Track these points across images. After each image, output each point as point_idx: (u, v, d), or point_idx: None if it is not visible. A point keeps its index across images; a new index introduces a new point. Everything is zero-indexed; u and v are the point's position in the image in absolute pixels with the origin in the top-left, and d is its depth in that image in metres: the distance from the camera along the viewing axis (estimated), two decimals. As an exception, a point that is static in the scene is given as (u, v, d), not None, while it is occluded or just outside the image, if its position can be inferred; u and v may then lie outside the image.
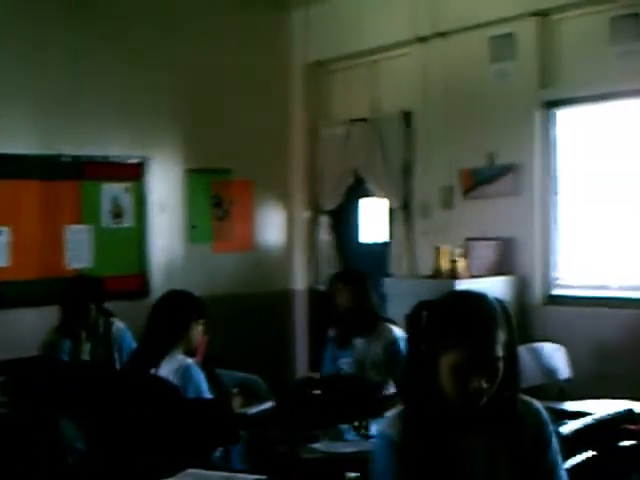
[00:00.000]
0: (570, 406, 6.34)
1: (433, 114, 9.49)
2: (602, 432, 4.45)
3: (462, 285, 8.05)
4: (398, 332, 6.32)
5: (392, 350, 6.30)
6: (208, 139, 10.29)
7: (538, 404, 3.20)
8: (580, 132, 8.58)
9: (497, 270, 8.71)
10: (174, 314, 5.49)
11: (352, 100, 10.51)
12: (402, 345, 6.16)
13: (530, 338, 7.77)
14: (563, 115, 8.67)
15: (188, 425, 4.93)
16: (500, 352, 3.02)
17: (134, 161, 9.76)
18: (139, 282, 9.73)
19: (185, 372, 5.23)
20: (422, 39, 9.51)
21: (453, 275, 8.45)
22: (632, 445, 4.39)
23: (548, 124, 8.70)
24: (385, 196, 10.07)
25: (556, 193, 8.68)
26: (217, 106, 10.27)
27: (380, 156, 9.93)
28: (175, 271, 9.92)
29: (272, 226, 10.95)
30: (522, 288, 8.61)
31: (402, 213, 9.82)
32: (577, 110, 8.61)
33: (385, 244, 10.21)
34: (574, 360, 7.45)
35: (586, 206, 8.51)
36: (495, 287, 8.09)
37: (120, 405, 5.21)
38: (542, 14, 8.57)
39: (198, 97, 10.22)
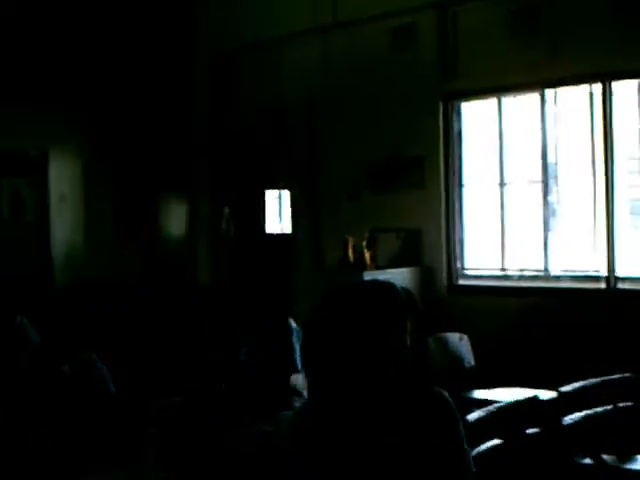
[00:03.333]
0: (476, 394, 6.40)
1: (337, 105, 9.47)
2: (508, 420, 4.48)
3: (369, 276, 8.05)
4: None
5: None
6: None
7: (445, 394, 3.18)
8: (483, 125, 8.67)
9: (403, 261, 8.75)
10: None
11: (257, 90, 10.39)
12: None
13: (436, 328, 7.82)
14: (467, 108, 8.76)
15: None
16: (407, 341, 2.99)
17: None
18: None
19: None
20: (324, 29, 9.48)
21: (359, 266, 8.46)
22: (537, 432, 4.43)
23: (451, 116, 8.77)
24: (290, 187, 10.01)
25: (461, 185, 8.77)
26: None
27: (285, 147, 9.86)
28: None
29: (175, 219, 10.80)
30: (428, 278, 8.67)
31: (307, 204, 9.78)
32: (480, 103, 8.69)
33: (290, 236, 10.14)
34: (479, 348, 7.54)
35: (489, 198, 8.62)
36: (401, 277, 8.14)
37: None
38: (442, 6, 8.64)
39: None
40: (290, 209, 10.22)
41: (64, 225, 9.90)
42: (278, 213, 10.54)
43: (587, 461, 4.67)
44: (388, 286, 3.12)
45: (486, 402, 5.28)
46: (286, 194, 10.27)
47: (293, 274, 8.95)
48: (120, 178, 10.33)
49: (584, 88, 8.03)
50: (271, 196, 10.63)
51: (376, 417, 3.02)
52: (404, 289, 3.13)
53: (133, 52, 10.23)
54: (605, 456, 4.74)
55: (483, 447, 4.10)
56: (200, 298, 9.62)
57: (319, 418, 3.00)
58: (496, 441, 4.18)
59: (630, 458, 4.76)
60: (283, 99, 10.04)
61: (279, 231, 10.53)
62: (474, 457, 3.70)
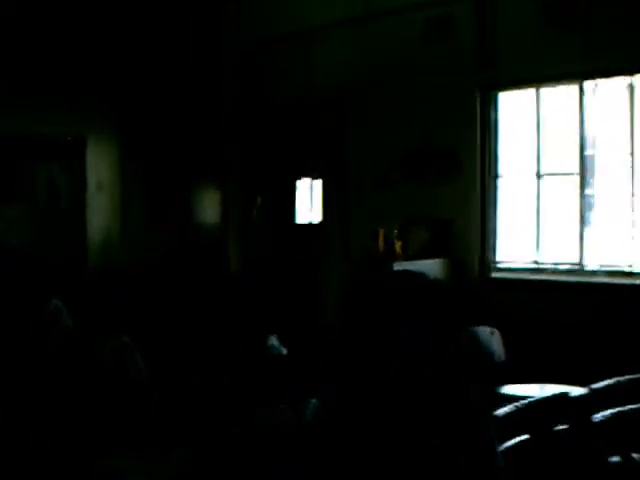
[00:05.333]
0: (506, 389, 6.35)
1: (370, 95, 9.42)
2: (537, 416, 4.44)
3: (398, 266, 8.01)
4: None
5: None
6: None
7: (473, 389, 3.15)
8: (520, 115, 8.58)
9: (434, 252, 8.69)
10: None
11: (289, 80, 10.37)
12: None
13: (467, 321, 7.77)
14: (504, 98, 8.67)
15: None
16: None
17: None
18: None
19: None
20: (357, 19, 9.42)
21: (390, 256, 8.41)
22: (566, 429, 4.39)
23: (487, 106, 8.68)
24: (320, 177, 10.00)
25: (496, 176, 8.68)
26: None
27: (316, 137, 9.84)
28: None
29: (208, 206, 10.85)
30: (459, 270, 8.60)
31: (339, 194, 9.75)
32: (517, 93, 8.60)
33: (320, 225, 10.13)
34: (510, 343, 7.47)
35: (525, 189, 8.53)
36: (431, 269, 8.09)
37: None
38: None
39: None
40: (321, 199, 10.19)
41: (99, 212, 9.99)
42: (309, 203, 10.51)
43: (616, 459, 4.61)
44: (417, 276, 3.09)
45: (516, 397, 5.24)
46: (318, 184, 10.24)
47: (323, 263, 8.93)
48: (154, 165, 10.39)
49: (623, 80, 7.91)
50: (303, 185, 10.61)
51: (402, 416, 3.00)
52: (435, 280, 3.10)
53: (168, 40, 10.28)
54: (635, 455, 4.67)
55: (511, 442, 4.06)
56: (229, 285, 9.67)
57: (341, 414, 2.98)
58: (524, 436, 4.14)
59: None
60: (315, 89, 10.00)
61: (310, 221, 10.51)
62: (502, 452, 3.68)
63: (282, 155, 10.35)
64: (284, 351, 6.12)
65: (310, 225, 10.42)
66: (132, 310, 8.40)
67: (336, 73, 9.77)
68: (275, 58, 10.60)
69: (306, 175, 10.32)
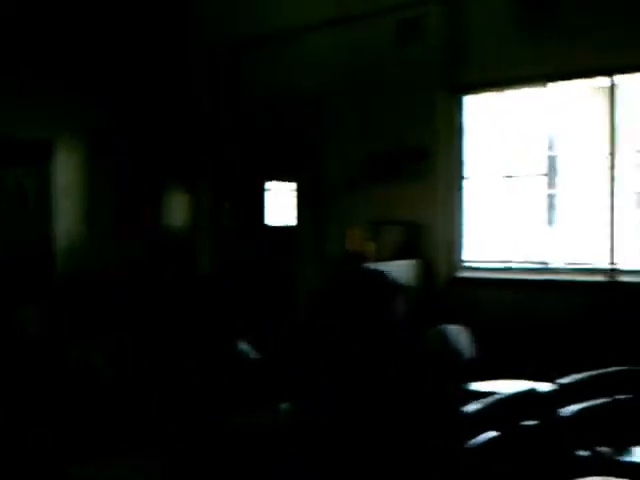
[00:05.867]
0: (475, 386, 6.40)
1: (341, 97, 9.45)
2: (505, 412, 4.49)
3: (371, 268, 8.05)
4: None
5: None
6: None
7: (444, 389, 3.19)
8: (488, 117, 8.67)
9: (404, 253, 8.74)
10: None
11: (261, 83, 10.37)
12: None
13: (436, 320, 7.83)
14: (470, 101, 8.75)
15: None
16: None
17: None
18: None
19: None
20: (330, 21, 9.46)
21: (361, 258, 8.45)
22: (534, 424, 4.44)
23: (454, 109, 8.76)
24: (293, 179, 10.00)
25: (462, 177, 8.76)
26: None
27: (289, 138, 9.85)
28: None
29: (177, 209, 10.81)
30: (429, 271, 8.66)
31: (311, 196, 9.78)
32: (485, 95, 8.68)
33: (293, 227, 10.14)
34: (478, 341, 7.53)
35: (493, 190, 8.62)
36: (402, 270, 8.14)
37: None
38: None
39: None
40: (293, 201, 10.21)
41: (67, 215, 9.90)
42: (282, 205, 10.53)
43: (583, 453, 4.68)
44: (385, 276, 3.13)
45: (484, 394, 5.28)
46: (289, 186, 10.25)
47: (295, 265, 8.95)
48: (123, 168, 10.33)
49: (590, 82, 8.02)
50: (274, 187, 10.62)
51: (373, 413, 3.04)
52: (395, 280, 3.14)
53: (138, 40, 10.22)
54: (601, 448, 4.75)
55: (480, 438, 4.11)
56: (199, 289, 9.65)
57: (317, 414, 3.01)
58: (493, 433, 4.19)
59: (626, 450, 4.76)
60: (288, 91, 10.01)
61: (282, 222, 10.52)
62: (471, 448, 3.73)
63: (254, 157, 10.35)
64: (255, 355, 6.12)
65: (283, 227, 10.44)
66: (100, 315, 8.37)
67: (309, 75, 9.79)
68: (247, 60, 10.60)
69: (278, 177, 10.33)
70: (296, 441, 2.94)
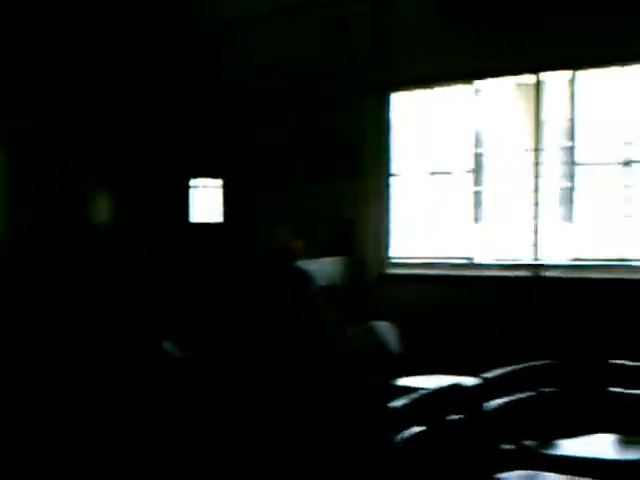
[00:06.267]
0: (401, 382, 6.43)
1: (274, 94, 9.41)
2: (431, 407, 4.50)
3: (301, 265, 8.04)
4: None
5: None
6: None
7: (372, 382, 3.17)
8: (414, 114, 8.71)
9: (335, 250, 8.74)
10: None
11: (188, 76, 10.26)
12: None
13: (365, 316, 7.86)
14: (399, 98, 8.77)
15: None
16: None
17: None
18: None
19: None
20: (260, 17, 9.40)
21: (291, 255, 8.43)
22: (459, 419, 4.46)
23: (382, 106, 8.78)
24: (221, 175, 9.93)
25: (390, 175, 8.79)
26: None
27: (216, 135, 9.78)
28: None
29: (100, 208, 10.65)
30: (359, 268, 8.68)
31: (241, 193, 9.71)
32: (412, 93, 8.72)
33: (222, 225, 10.05)
34: (406, 336, 7.57)
35: (420, 187, 8.66)
36: (332, 267, 8.14)
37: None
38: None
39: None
40: (222, 198, 10.12)
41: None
42: (209, 202, 10.41)
43: (509, 447, 4.72)
44: (306, 274, 3.11)
45: (411, 389, 5.31)
46: (215, 182, 10.16)
47: (223, 263, 8.89)
48: (40, 167, 10.09)
49: (516, 79, 8.11)
50: (202, 184, 10.49)
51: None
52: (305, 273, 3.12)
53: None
54: (527, 442, 4.79)
55: (407, 434, 4.11)
56: (120, 289, 9.52)
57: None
58: (419, 428, 4.19)
59: (551, 444, 4.81)
60: (218, 87, 9.93)
61: (210, 220, 10.40)
62: (398, 444, 3.72)
63: (180, 154, 10.23)
64: (180, 354, 6.05)
65: (210, 224, 10.32)
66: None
67: (240, 72, 9.71)
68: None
69: (205, 173, 10.22)
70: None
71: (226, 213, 10.00)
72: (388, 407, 4.21)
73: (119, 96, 10.40)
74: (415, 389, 5.10)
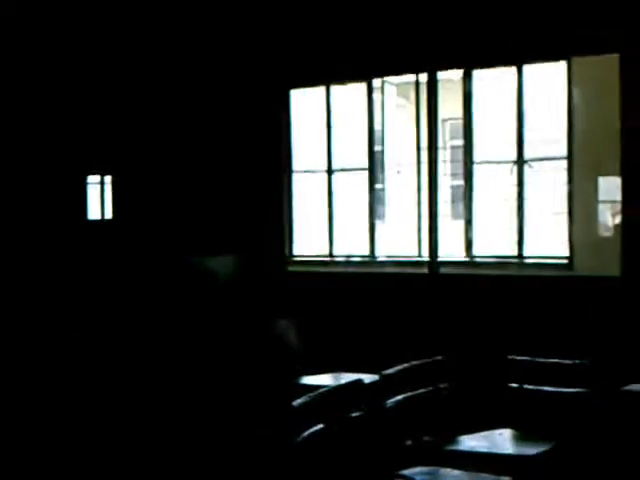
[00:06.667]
0: (303, 380, 6.39)
1: (168, 95, 9.23)
2: (332, 404, 4.46)
3: (198, 263, 7.96)
4: None
5: None
6: None
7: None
8: (313, 113, 8.68)
9: (233, 247, 8.66)
10: None
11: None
12: None
13: (267, 314, 7.82)
14: (298, 96, 8.74)
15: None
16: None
17: None
18: None
19: None
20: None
21: (189, 252, 8.34)
22: (360, 415, 4.44)
23: (281, 104, 8.72)
24: (112, 173, 9.72)
25: (292, 172, 8.73)
26: None
27: (107, 131, 9.57)
28: None
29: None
30: (258, 265, 8.61)
31: (131, 190, 9.50)
32: (310, 91, 8.70)
33: (112, 222, 9.82)
34: (307, 334, 7.54)
35: (319, 185, 8.65)
36: (231, 264, 8.08)
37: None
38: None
39: None
40: (112, 195, 9.89)
41: None
42: (101, 199, 10.16)
43: (410, 443, 4.72)
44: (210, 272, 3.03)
45: (312, 387, 5.27)
46: (109, 179, 9.93)
47: (116, 261, 8.70)
48: None
49: (412, 77, 8.17)
50: (94, 181, 10.25)
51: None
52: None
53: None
54: (427, 438, 4.80)
55: (308, 432, 4.06)
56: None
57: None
58: (320, 425, 4.15)
59: (452, 439, 4.83)
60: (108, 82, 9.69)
61: (103, 217, 10.15)
62: (300, 442, 3.67)
63: (72, 150, 9.96)
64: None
65: (102, 222, 10.08)
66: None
67: (123, 67, 9.50)
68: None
69: (97, 170, 9.98)
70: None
71: (116, 210, 9.78)
72: (290, 405, 4.16)
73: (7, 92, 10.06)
74: (316, 387, 5.06)
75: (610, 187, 7.11)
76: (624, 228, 7.01)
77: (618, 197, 7.02)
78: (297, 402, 4.18)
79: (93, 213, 10.16)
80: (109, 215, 9.97)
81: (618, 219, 7.06)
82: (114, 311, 8.41)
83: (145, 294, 8.25)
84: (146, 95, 9.34)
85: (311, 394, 4.32)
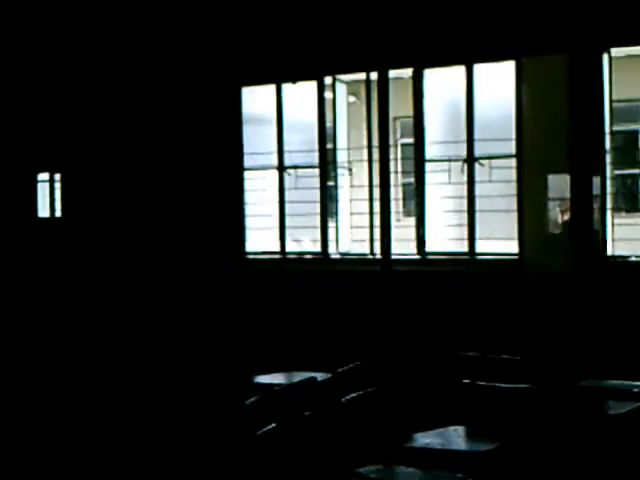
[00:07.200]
0: (257, 379, 6.36)
1: (120, 95, 9.16)
2: (286, 402, 4.46)
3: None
4: None
5: None
6: None
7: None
8: (266, 110, 8.65)
9: (190, 246, 8.62)
10: None
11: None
12: None
13: (223, 313, 7.80)
14: (251, 93, 8.71)
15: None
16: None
17: None
18: None
19: None
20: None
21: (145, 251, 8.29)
22: (315, 413, 4.44)
23: (233, 101, 8.67)
24: (61, 170, 9.60)
25: (243, 170, 8.68)
26: None
27: (56, 128, 9.44)
28: None
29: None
30: (212, 264, 8.57)
31: (81, 188, 9.39)
32: (262, 88, 8.68)
33: (62, 220, 9.69)
34: (261, 332, 7.53)
35: (271, 182, 8.63)
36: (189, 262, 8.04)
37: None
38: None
39: None
40: (61, 193, 9.75)
41: None
42: (50, 197, 10.02)
43: (365, 440, 4.72)
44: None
45: (266, 386, 5.26)
46: (57, 177, 9.79)
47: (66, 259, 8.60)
48: None
49: (363, 75, 8.19)
50: (44, 179, 10.10)
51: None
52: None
53: None
54: (381, 435, 4.81)
55: (262, 430, 4.05)
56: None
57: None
58: (274, 424, 4.14)
59: (406, 436, 4.84)
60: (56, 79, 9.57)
61: (52, 215, 10.00)
62: (255, 440, 3.66)
63: (21, 148, 9.81)
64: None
65: (52, 219, 9.93)
66: None
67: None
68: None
69: (47, 168, 9.83)
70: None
71: (66, 208, 9.65)
72: (244, 404, 4.15)
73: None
74: (270, 385, 5.05)
75: (559, 184, 7.20)
76: (573, 225, 7.11)
77: (567, 194, 7.12)
78: (253, 400, 4.18)
79: (43, 211, 10.03)
80: (59, 213, 9.84)
81: (567, 216, 7.16)
82: (64, 308, 8.32)
83: (95, 291, 8.17)
84: (97, 92, 9.23)
85: (266, 393, 4.32)
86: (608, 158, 7.17)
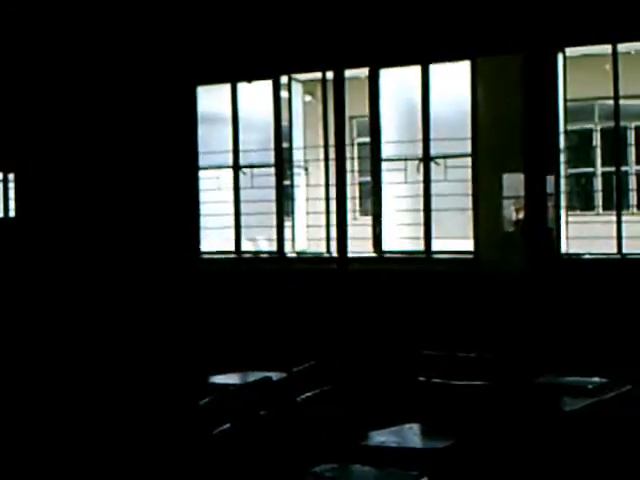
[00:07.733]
0: (212, 379, 6.32)
1: (70, 85, 9.06)
2: (241, 402, 4.43)
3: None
4: None
5: None
6: None
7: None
8: (222, 109, 8.61)
9: (146, 245, 8.54)
10: None
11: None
12: None
13: (175, 312, 7.75)
14: (206, 92, 8.65)
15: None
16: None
17: None
18: None
19: None
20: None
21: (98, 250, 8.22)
22: (270, 412, 4.41)
23: (189, 100, 8.63)
24: (15, 170, 9.46)
25: (198, 168, 8.63)
26: None
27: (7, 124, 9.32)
28: None
29: None
30: (167, 263, 8.50)
31: (36, 188, 9.27)
32: (217, 87, 8.63)
33: (16, 220, 9.56)
34: (217, 332, 7.49)
35: (226, 181, 8.58)
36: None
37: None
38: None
39: None
40: (15, 193, 9.62)
41: None
42: (4, 197, 9.87)
43: (321, 439, 4.70)
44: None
45: (220, 386, 5.22)
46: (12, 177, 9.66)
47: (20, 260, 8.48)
48: None
49: (319, 75, 8.18)
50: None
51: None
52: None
53: None
54: (338, 434, 4.79)
55: (217, 430, 4.01)
56: None
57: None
58: (229, 424, 4.10)
59: (362, 435, 4.83)
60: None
61: (6, 215, 9.86)
62: (209, 441, 3.63)
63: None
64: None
65: (6, 220, 9.79)
66: None
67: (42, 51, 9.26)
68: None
69: (0, 168, 9.70)
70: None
71: (21, 208, 9.52)
72: (198, 404, 4.11)
73: None
74: (225, 385, 5.02)
75: (513, 183, 7.25)
76: (527, 224, 7.16)
77: (522, 193, 7.18)
78: (207, 401, 4.14)
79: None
80: (12, 213, 9.71)
81: (522, 215, 7.21)
82: (18, 310, 8.22)
83: (50, 292, 8.06)
84: (51, 91, 9.11)
85: (220, 392, 4.29)
86: (562, 157, 7.23)
